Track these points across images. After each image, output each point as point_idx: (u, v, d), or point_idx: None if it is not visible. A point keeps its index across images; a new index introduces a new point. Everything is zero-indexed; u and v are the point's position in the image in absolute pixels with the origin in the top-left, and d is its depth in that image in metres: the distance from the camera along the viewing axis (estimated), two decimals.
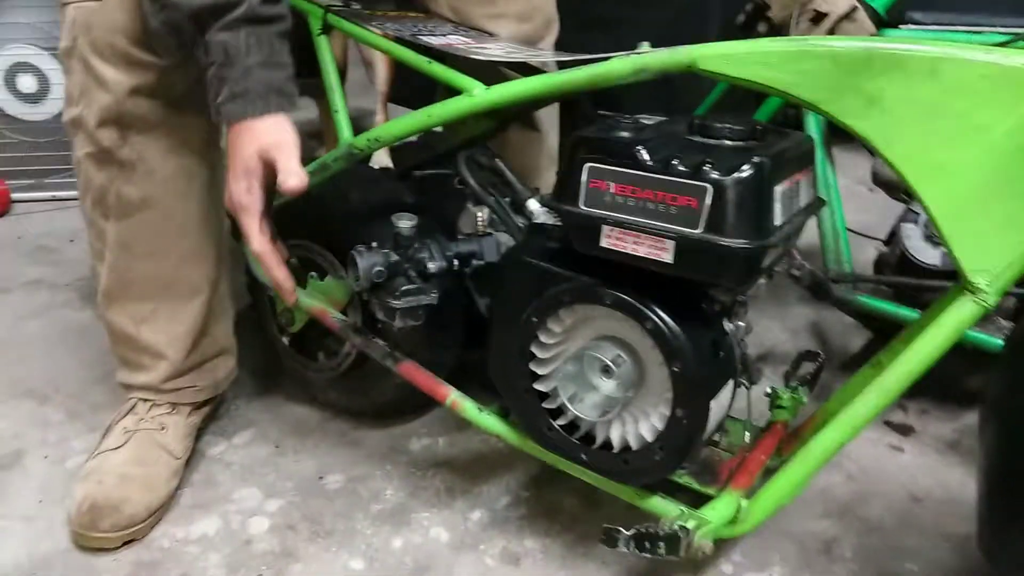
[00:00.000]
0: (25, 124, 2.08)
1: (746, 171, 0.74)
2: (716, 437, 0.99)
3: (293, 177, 0.87)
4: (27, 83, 2.04)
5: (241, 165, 0.89)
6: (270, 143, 0.88)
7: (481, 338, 1.17)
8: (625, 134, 0.82)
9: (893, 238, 1.31)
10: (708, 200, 0.75)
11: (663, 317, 0.81)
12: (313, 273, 1.19)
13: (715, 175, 0.74)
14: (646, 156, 0.78)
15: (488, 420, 1.02)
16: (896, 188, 1.34)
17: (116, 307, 1.12)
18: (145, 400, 1.15)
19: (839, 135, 1.22)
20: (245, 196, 0.90)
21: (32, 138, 2.10)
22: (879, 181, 1.35)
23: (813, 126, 1.36)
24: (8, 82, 2.03)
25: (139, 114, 1.00)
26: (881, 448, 1.24)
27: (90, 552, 1.02)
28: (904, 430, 1.29)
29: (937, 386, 1.33)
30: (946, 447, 1.25)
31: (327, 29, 1.14)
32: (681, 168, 0.76)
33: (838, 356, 1.49)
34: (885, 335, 1.46)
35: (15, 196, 2.09)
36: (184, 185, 1.07)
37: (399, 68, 2.24)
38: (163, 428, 1.12)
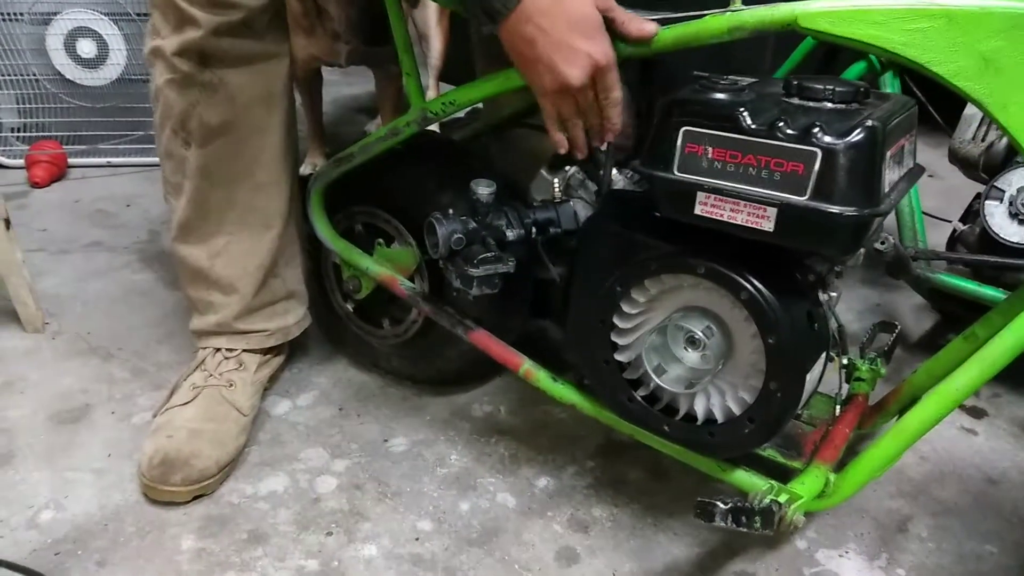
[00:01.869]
0: (83, 89, 2.10)
1: (858, 135, 0.72)
2: (799, 410, 0.97)
3: (645, 24, 0.82)
4: (86, 48, 2.05)
5: (585, 24, 0.81)
6: None
7: (546, 307, 1.17)
8: (723, 96, 0.79)
9: (971, 216, 1.28)
10: (817, 165, 0.72)
11: (759, 287, 0.78)
12: (380, 240, 1.19)
13: (826, 139, 0.72)
14: (748, 119, 0.75)
15: (562, 390, 1.01)
16: (974, 167, 1.30)
17: (192, 239, 1.14)
18: (216, 350, 1.16)
19: None
20: (606, 51, 0.82)
21: (90, 103, 2.11)
22: (956, 159, 1.32)
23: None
24: (68, 47, 2.04)
25: (223, 48, 1.02)
26: (954, 430, 1.22)
27: (160, 506, 1.03)
28: (977, 413, 1.26)
29: (1009, 371, 1.30)
30: (1021, 431, 1.22)
31: None
32: (788, 132, 0.73)
33: (905, 337, 1.46)
34: (955, 317, 1.44)
35: (71, 161, 2.11)
36: (263, 114, 1.09)
37: (451, 45, 2.24)
38: (231, 384, 1.13)
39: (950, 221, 1.42)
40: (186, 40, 1.00)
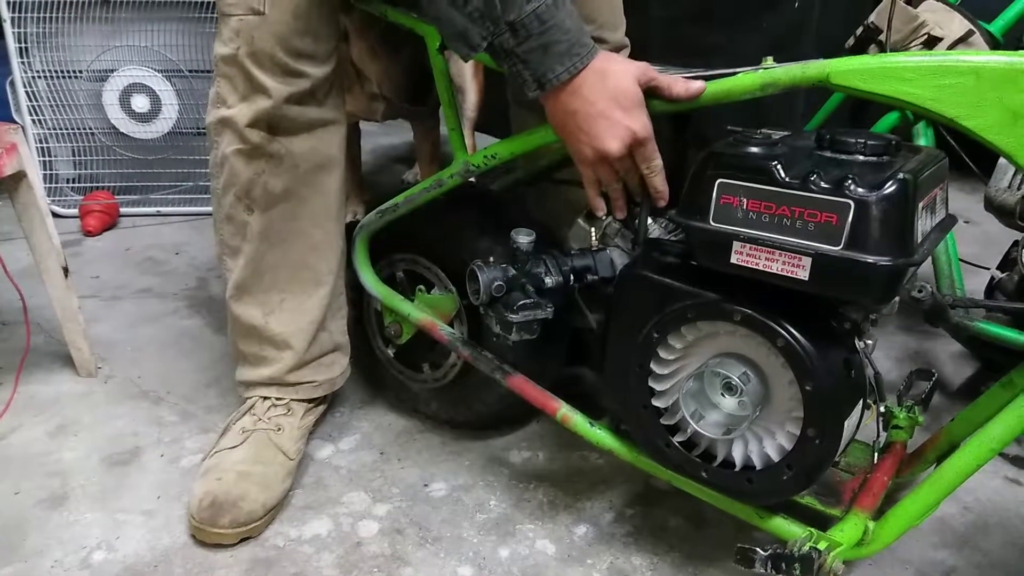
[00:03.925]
0: (136, 142, 2.19)
1: (891, 187, 0.74)
2: (836, 457, 0.98)
3: (691, 84, 0.86)
4: (140, 103, 2.15)
5: (625, 99, 0.86)
6: (644, 68, 0.87)
7: (583, 353, 1.19)
8: (757, 150, 0.82)
9: (1009, 264, 1.28)
10: (850, 216, 0.74)
11: (795, 335, 0.80)
12: (421, 286, 1.22)
13: (859, 191, 0.74)
14: (782, 172, 0.78)
15: (599, 435, 1.02)
16: (1011, 214, 1.30)
17: (247, 298, 1.17)
18: (265, 398, 1.19)
19: None
20: (646, 126, 0.87)
21: (142, 155, 2.20)
22: (992, 207, 1.32)
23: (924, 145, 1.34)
24: (123, 102, 2.14)
25: (290, 117, 1.07)
26: (998, 480, 1.20)
27: (207, 547, 1.05)
28: (1021, 463, 1.24)
29: None
30: None
31: (444, 47, 1.18)
32: (822, 184, 0.75)
33: (945, 386, 1.45)
34: (995, 365, 1.43)
35: (123, 210, 2.19)
36: (322, 178, 1.13)
37: (486, 95, 2.30)
38: (279, 429, 1.16)
39: (987, 268, 1.43)
40: (258, 110, 1.05)
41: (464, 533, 1.09)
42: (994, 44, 1.28)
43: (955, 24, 1.28)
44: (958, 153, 1.28)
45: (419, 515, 1.12)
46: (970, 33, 1.27)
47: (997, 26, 1.30)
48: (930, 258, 1.34)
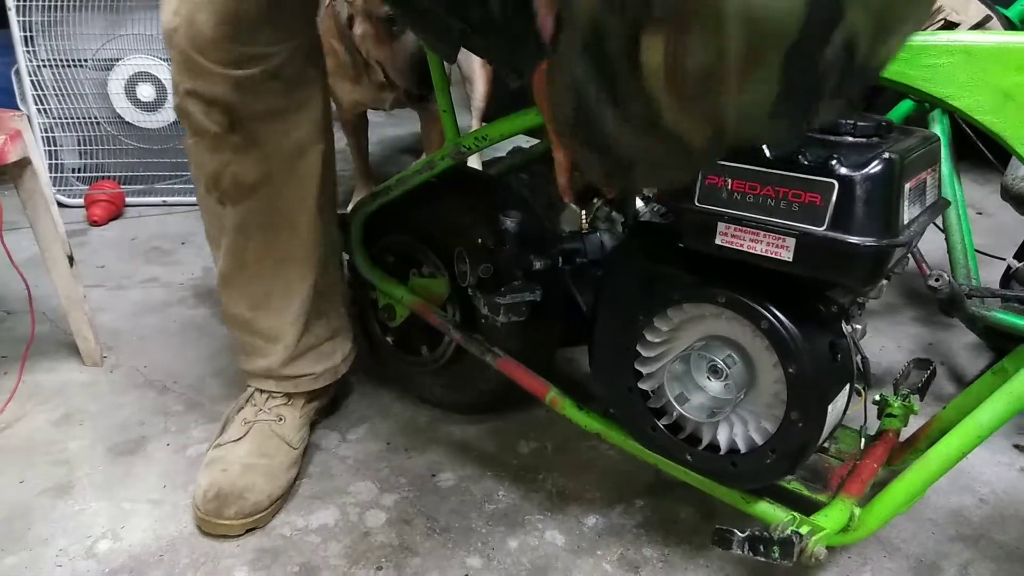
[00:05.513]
0: (141, 131, 2.18)
1: (875, 167, 0.72)
2: (825, 444, 0.96)
3: None
4: (146, 92, 2.14)
5: None
6: None
7: (575, 335, 1.18)
8: None
9: None
10: (834, 196, 0.73)
11: (779, 317, 0.79)
12: (414, 269, 1.21)
13: (843, 171, 0.72)
14: (767, 152, 0.76)
15: (588, 418, 1.02)
16: None
17: (232, 290, 1.13)
18: (262, 391, 1.17)
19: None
20: None
21: (147, 145, 2.19)
22: (1008, 196, 1.30)
23: (939, 133, 1.32)
24: (128, 91, 2.13)
25: (248, 102, 0.97)
26: (1014, 472, 1.18)
27: (214, 537, 1.04)
28: None
29: None
30: None
31: None
32: (806, 164, 0.74)
33: (959, 377, 1.43)
34: None
35: (128, 200, 2.18)
36: (299, 164, 1.05)
37: (493, 87, 2.29)
38: (280, 419, 1.14)
39: (1003, 258, 1.40)
40: (210, 96, 0.96)
41: (472, 524, 1.08)
42: (1011, 29, 1.26)
43: (972, 9, 1.26)
44: (973, 143, 1.26)
45: (427, 505, 1.11)
46: (988, 18, 1.25)
47: (1015, 11, 1.27)
48: (946, 248, 1.32)
